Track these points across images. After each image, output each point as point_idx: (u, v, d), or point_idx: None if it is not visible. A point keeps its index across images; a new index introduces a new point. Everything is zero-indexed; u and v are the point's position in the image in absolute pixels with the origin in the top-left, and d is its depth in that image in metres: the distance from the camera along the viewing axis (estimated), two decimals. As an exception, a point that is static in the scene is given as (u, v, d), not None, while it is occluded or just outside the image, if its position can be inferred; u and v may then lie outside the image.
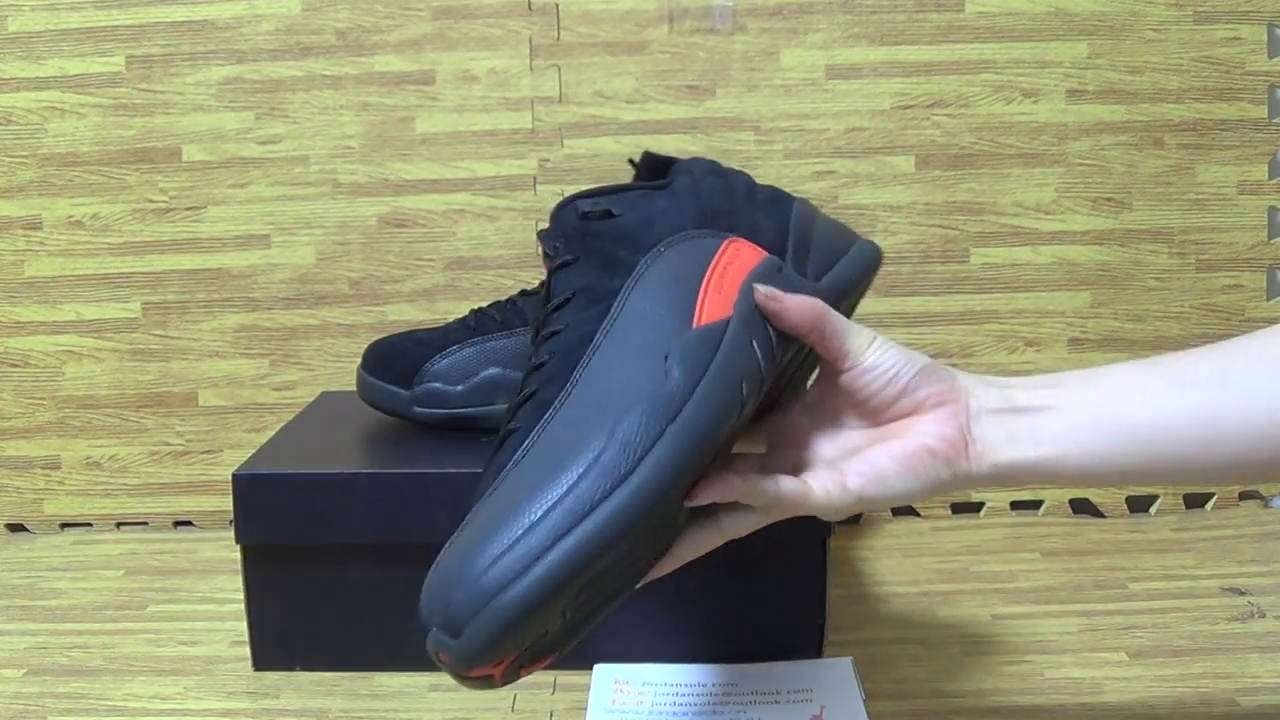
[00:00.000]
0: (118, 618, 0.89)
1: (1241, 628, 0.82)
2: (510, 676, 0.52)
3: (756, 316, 0.58)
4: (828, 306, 0.59)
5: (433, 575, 0.51)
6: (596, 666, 0.77)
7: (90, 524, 1.10)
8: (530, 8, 1.05)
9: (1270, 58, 1.05)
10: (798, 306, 0.57)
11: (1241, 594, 0.87)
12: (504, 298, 0.92)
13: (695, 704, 0.73)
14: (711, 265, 0.59)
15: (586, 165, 1.06)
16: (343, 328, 1.08)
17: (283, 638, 0.79)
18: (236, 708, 0.74)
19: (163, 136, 1.06)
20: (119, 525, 1.10)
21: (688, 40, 1.05)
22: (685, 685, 0.75)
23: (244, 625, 0.79)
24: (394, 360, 0.88)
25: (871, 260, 0.68)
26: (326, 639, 0.79)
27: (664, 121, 1.05)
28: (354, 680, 0.78)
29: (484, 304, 0.92)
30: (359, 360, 0.90)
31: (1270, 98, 1.05)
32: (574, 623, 0.53)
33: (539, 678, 0.77)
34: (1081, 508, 1.08)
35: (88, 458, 1.10)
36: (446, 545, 0.52)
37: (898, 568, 0.95)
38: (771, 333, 0.58)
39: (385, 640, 0.78)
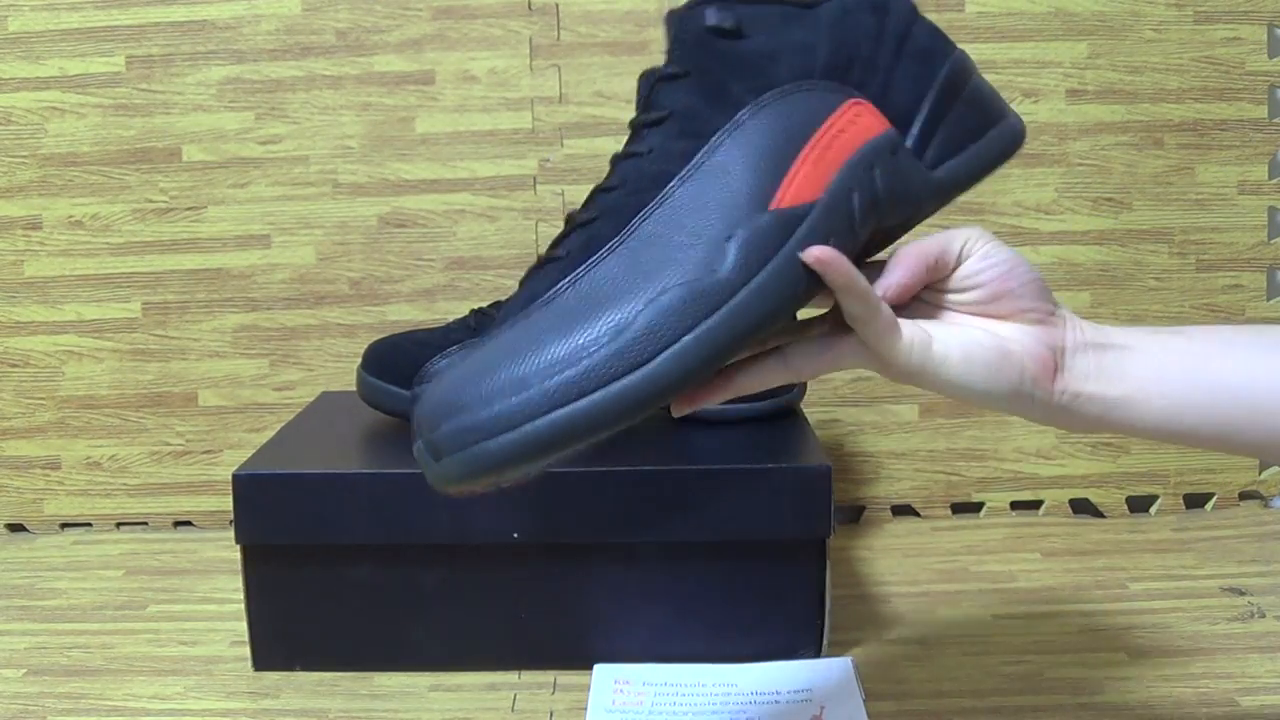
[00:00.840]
0: (118, 618, 0.89)
1: (1241, 628, 0.82)
2: (491, 491, 0.51)
3: (843, 206, 0.52)
4: (892, 283, 0.53)
5: (436, 386, 0.49)
6: (596, 666, 0.77)
7: (90, 524, 1.10)
8: (530, 8, 1.05)
9: (1270, 58, 1.05)
10: (849, 289, 0.51)
11: (1241, 594, 0.87)
12: (504, 298, 0.92)
13: (695, 704, 0.73)
14: (820, 131, 0.52)
15: (586, 165, 1.06)
16: (343, 328, 1.08)
17: (283, 638, 0.79)
18: (236, 708, 0.74)
19: (163, 136, 1.06)
20: (119, 525, 1.10)
21: (688, 40, 1.05)
22: (685, 685, 0.75)
23: (244, 625, 0.79)
24: (394, 360, 0.88)
25: (1009, 145, 0.59)
26: (326, 639, 0.79)
27: (664, 121, 1.05)
28: (354, 680, 0.78)
29: (484, 304, 0.92)
30: (359, 360, 0.90)
31: (1270, 98, 1.05)
32: (562, 463, 0.51)
33: (539, 678, 0.77)
34: (1081, 508, 1.08)
35: (88, 458, 1.10)
36: (463, 356, 0.50)
37: (898, 568, 0.95)
38: (858, 226, 0.52)
39: (385, 640, 0.78)
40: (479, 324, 0.88)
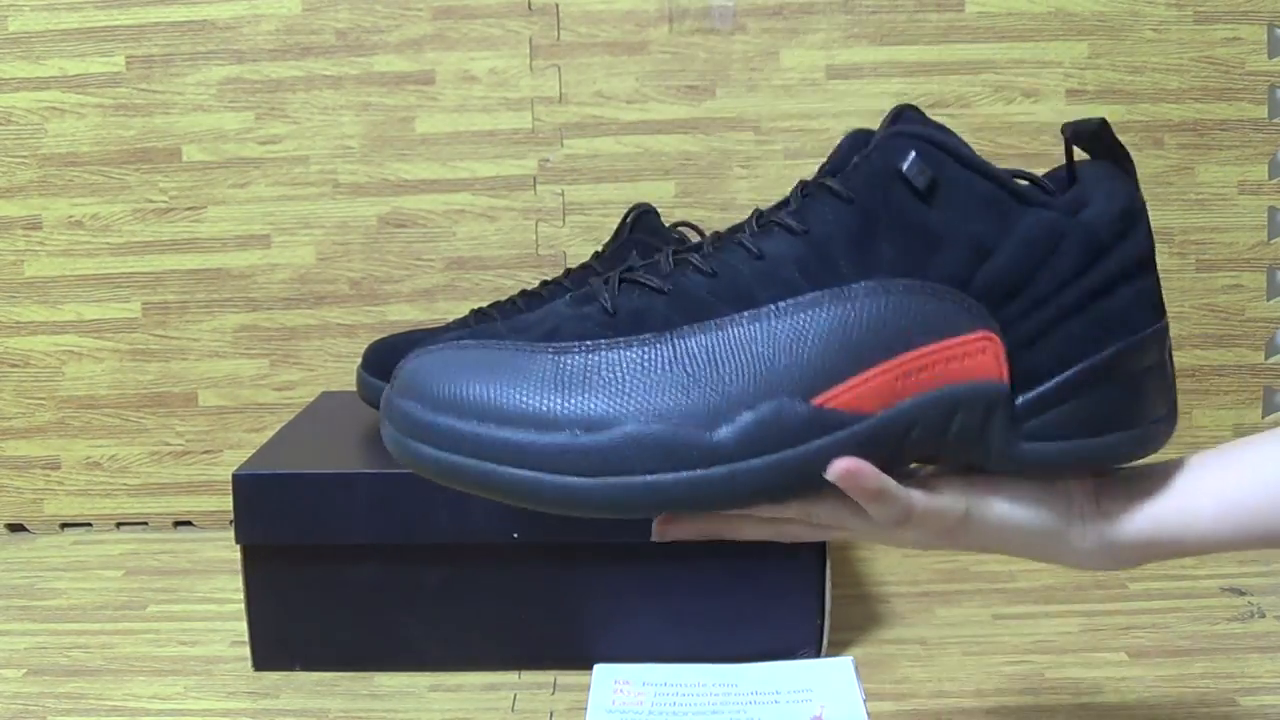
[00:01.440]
0: (118, 618, 0.89)
1: (1241, 628, 0.82)
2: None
3: (895, 436, 0.46)
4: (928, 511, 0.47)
5: (430, 356, 0.46)
6: (596, 666, 0.77)
7: (90, 524, 1.10)
8: (530, 8, 1.05)
9: (1270, 58, 1.05)
10: (878, 500, 0.45)
11: (1241, 594, 0.87)
12: (504, 298, 0.92)
13: (695, 704, 0.73)
14: (927, 349, 0.46)
15: (586, 165, 1.06)
16: (343, 328, 1.08)
17: (283, 638, 0.79)
18: (236, 708, 0.74)
19: (163, 136, 1.06)
20: (119, 525, 1.10)
21: (688, 40, 1.05)
22: (685, 685, 0.75)
23: (244, 625, 0.79)
24: (394, 360, 0.88)
25: (1125, 455, 0.50)
26: (326, 639, 0.79)
27: (664, 121, 1.05)
28: (354, 680, 0.78)
29: (484, 304, 0.92)
30: (359, 360, 0.90)
31: (1270, 98, 1.05)
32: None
33: (539, 678, 0.77)
34: (1081, 508, 1.08)
35: (88, 458, 1.10)
36: (485, 344, 0.46)
37: (898, 568, 0.95)
38: (900, 460, 0.47)
39: (385, 640, 0.78)
40: (479, 324, 0.88)
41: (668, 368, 0.45)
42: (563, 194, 1.06)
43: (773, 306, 0.46)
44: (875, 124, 1.12)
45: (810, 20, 1.04)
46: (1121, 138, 0.51)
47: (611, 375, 0.45)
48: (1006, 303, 0.47)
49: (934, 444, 0.46)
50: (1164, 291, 0.51)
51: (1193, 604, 0.86)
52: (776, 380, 0.45)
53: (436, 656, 0.78)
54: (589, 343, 0.46)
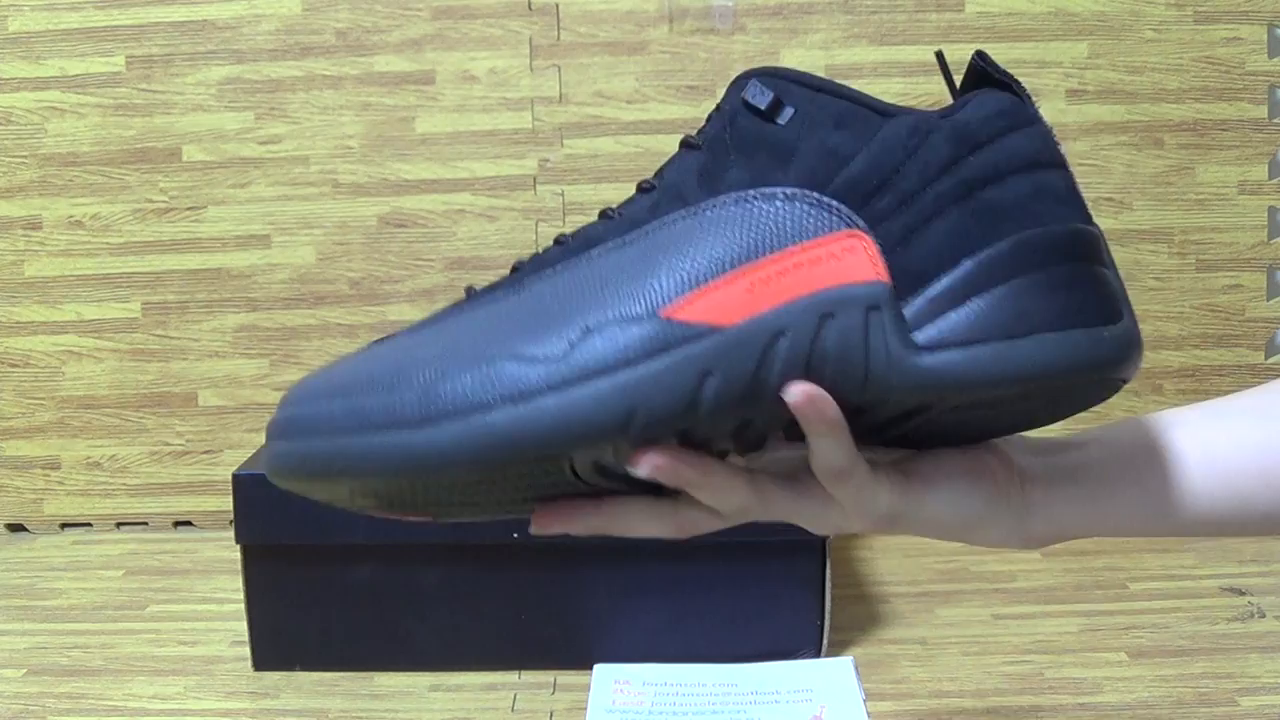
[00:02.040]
0: (118, 618, 0.89)
1: (1241, 628, 0.82)
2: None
3: (754, 349, 0.41)
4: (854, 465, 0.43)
5: (311, 377, 0.44)
6: (596, 666, 0.77)
7: (90, 524, 1.10)
8: (530, 8, 1.05)
9: (1270, 58, 1.05)
10: (831, 436, 0.42)
11: (1241, 594, 0.87)
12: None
13: (695, 704, 0.73)
14: (780, 253, 0.42)
15: (587, 165, 1.06)
16: (343, 328, 1.08)
17: (283, 638, 0.79)
18: (236, 708, 0.74)
19: (163, 136, 1.06)
20: (119, 525, 1.10)
21: (688, 40, 1.05)
22: (685, 685, 0.75)
23: (244, 625, 0.79)
24: (394, 360, 0.88)
25: (1072, 367, 0.43)
26: (326, 639, 0.79)
27: (664, 121, 1.05)
28: (354, 680, 0.77)
29: (484, 304, 0.92)
30: (359, 360, 0.90)
31: (1270, 98, 1.05)
32: (366, 509, 0.46)
33: (539, 678, 0.77)
34: (1081, 508, 1.08)
35: (88, 458, 1.09)
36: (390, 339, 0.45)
37: (898, 568, 0.95)
38: (765, 381, 0.41)
39: (385, 640, 0.78)
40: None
41: (509, 312, 0.42)
42: (563, 194, 1.06)
43: (616, 240, 0.43)
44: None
45: (810, 20, 1.04)
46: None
47: (457, 332, 0.42)
48: (871, 201, 0.43)
49: (814, 361, 0.41)
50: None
51: (1193, 604, 0.86)
52: (615, 299, 0.41)
53: (436, 656, 0.78)
54: (444, 309, 0.44)
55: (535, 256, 0.44)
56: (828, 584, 0.78)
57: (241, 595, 0.78)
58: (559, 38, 1.05)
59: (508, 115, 1.05)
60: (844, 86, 0.45)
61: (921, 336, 0.42)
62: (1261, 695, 0.72)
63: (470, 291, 0.45)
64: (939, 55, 0.47)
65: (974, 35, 1.04)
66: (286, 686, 0.77)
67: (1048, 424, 0.48)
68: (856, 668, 0.76)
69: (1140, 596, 0.88)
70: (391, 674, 0.78)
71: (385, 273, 1.07)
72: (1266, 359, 1.08)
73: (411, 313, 1.07)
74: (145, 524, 1.10)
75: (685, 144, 0.45)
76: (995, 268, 0.42)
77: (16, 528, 1.10)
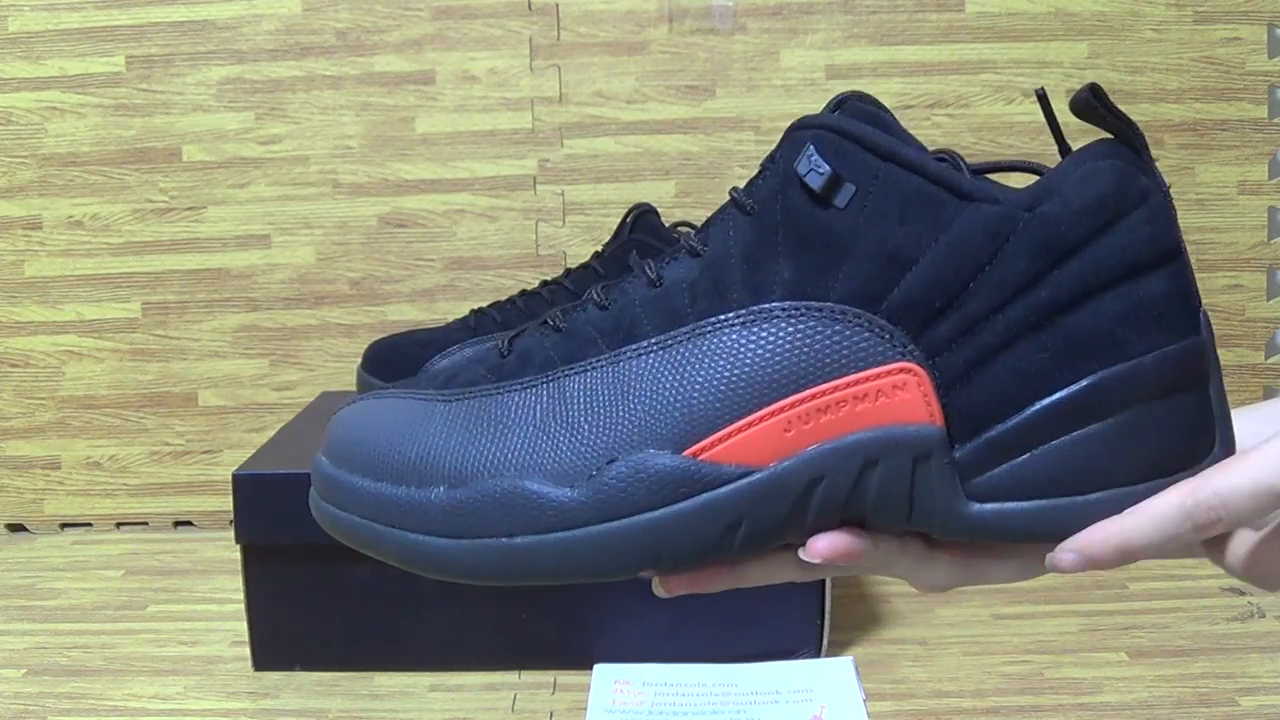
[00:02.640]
0: (118, 618, 0.89)
1: (1241, 628, 0.82)
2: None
3: (787, 496, 0.38)
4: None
5: (347, 410, 0.44)
6: (596, 666, 0.77)
7: (90, 524, 1.10)
8: (530, 8, 1.05)
9: (1270, 58, 1.05)
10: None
11: (1241, 594, 0.87)
12: (504, 298, 0.92)
13: (695, 704, 0.73)
14: (824, 388, 0.38)
15: (586, 165, 1.06)
16: (343, 328, 1.08)
17: (283, 638, 0.79)
18: (236, 708, 0.74)
19: (163, 136, 1.06)
20: (119, 525, 1.10)
21: (688, 40, 1.05)
22: (685, 685, 0.75)
23: (244, 625, 0.79)
24: (394, 360, 0.88)
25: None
26: (326, 639, 0.79)
27: (664, 121, 1.05)
28: (354, 680, 0.77)
29: (484, 304, 0.92)
30: (359, 360, 0.90)
31: (1270, 98, 1.05)
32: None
33: (539, 678, 0.77)
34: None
35: (88, 458, 1.10)
36: (406, 390, 0.43)
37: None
38: (796, 527, 0.39)
39: (385, 640, 0.78)
40: (479, 324, 0.88)
41: (543, 415, 0.39)
42: (563, 194, 1.06)
43: (647, 343, 0.39)
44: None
45: (810, 20, 1.04)
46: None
47: (490, 424, 0.40)
48: (932, 325, 0.38)
49: (852, 505, 0.38)
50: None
51: (1193, 604, 0.86)
52: (643, 428, 0.38)
53: (436, 656, 0.78)
54: (473, 389, 0.41)
55: (572, 310, 0.42)
56: (828, 584, 0.78)
57: (241, 595, 0.78)
58: (559, 38, 1.05)
59: (508, 115, 1.05)
60: (915, 153, 0.38)
61: (975, 486, 0.38)
62: (1261, 695, 0.72)
63: (504, 348, 0.43)
64: (1040, 96, 0.40)
65: (974, 35, 1.04)
66: (286, 686, 0.77)
67: None
68: (856, 668, 0.76)
69: (1140, 596, 0.88)
70: (391, 674, 0.78)
71: (385, 273, 1.07)
72: (1266, 359, 1.08)
73: (412, 313, 1.07)
74: (145, 524, 1.10)
75: (736, 203, 0.40)
76: (1067, 414, 0.37)
77: (16, 528, 1.10)
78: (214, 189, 1.06)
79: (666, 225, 0.91)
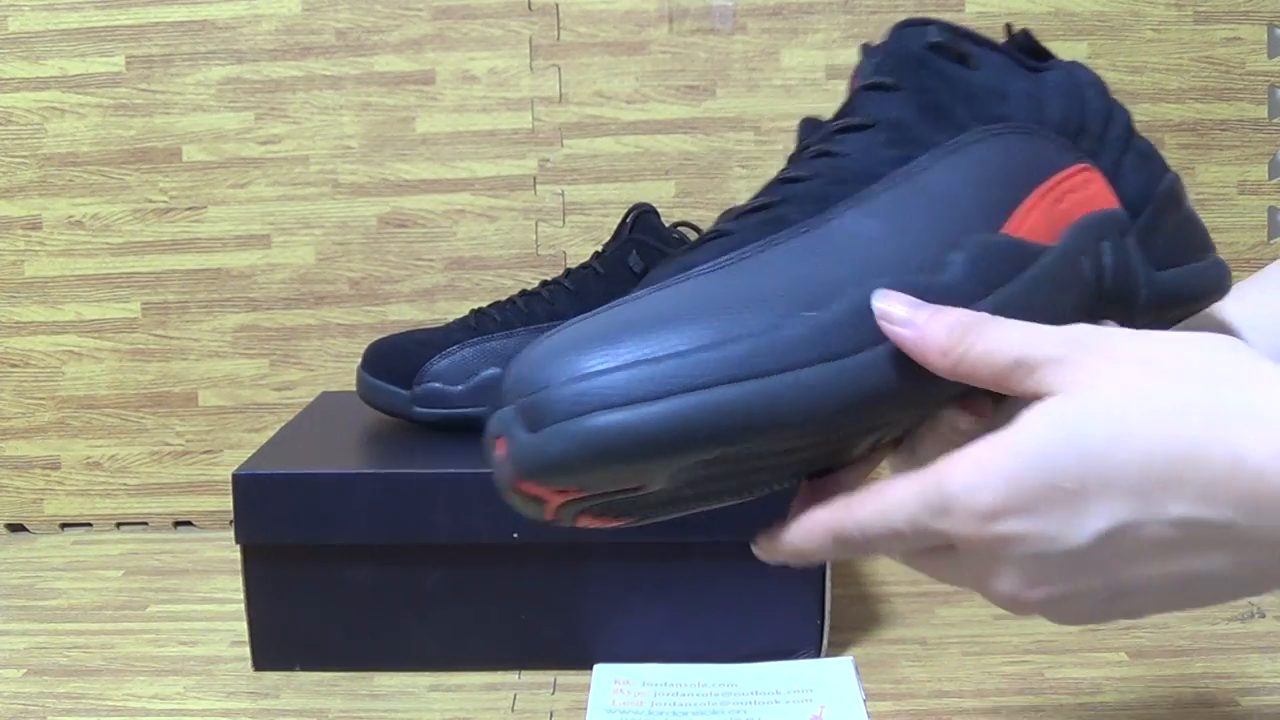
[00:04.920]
0: (118, 618, 0.89)
1: (1241, 628, 0.82)
2: (565, 517, 0.41)
3: (1074, 266, 0.44)
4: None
5: (546, 342, 0.39)
6: (596, 666, 0.77)
7: (90, 524, 1.10)
8: (530, 8, 1.05)
9: (1270, 58, 1.05)
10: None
11: (1241, 594, 0.87)
12: (504, 298, 0.92)
13: (695, 704, 0.73)
14: (1051, 180, 0.45)
15: (587, 165, 1.06)
16: (343, 328, 1.08)
17: (283, 638, 0.79)
18: (236, 708, 0.74)
19: (163, 136, 1.06)
20: (119, 525, 1.10)
21: (688, 40, 1.05)
22: (685, 685, 0.75)
23: (244, 625, 0.79)
24: (394, 360, 0.88)
25: (1215, 286, 0.50)
26: (326, 639, 0.79)
27: (664, 121, 1.05)
28: (354, 680, 0.77)
29: (484, 304, 0.92)
30: (359, 360, 0.90)
31: (1270, 98, 1.05)
32: (683, 497, 0.42)
33: (539, 678, 0.77)
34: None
35: (88, 458, 1.09)
36: (580, 317, 0.40)
37: (898, 568, 0.95)
38: (1091, 295, 0.44)
39: (385, 640, 0.78)
40: (479, 324, 0.88)
41: (845, 242, 0.41)
42: (563, 194, 1.06)
43: (902, 170, 0.43)
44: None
45: (810, 20, 1.04)
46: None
47: (792, 264, 0.40)
48: (1078, 141, 0.47)
49: (1097, 285, 0.45)
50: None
51: (1193, 604, 0.86)
52: (955, 220, 0.42)
53: (436, 656, 0.78)
54: (750, 245, 0.41)
55: (828, 156, 0.45)
56: (828, 584, 0.78)
57: (241, 595, 0.78)
58: (559, 38, 1.05)
59: (508, 115, 1.05)
60: (968, 29, 0.49)
61: (1151, 256, 0.47)
62: (1261, 695, 0.72)
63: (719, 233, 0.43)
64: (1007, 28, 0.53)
65: (974, 35, 1.04)
66: (286, 686, 0.77)
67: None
68: (856, 668, 0.76)
69: (1140, 596, 0.88)
70: (391, 674, 0.78)
71: (385, 273, 1.07)
72: (1266, 359, 1.08)
73: (412, 313, 1.07)
74: (145, 524, 1.10)
75: (870, 86, 0.47)
76: (1164, 205, 0.48)
77: (16, 528, 1.10)
78: (214, 189, 1.06)
79: (666, 225, 0.91)
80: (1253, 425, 0.36)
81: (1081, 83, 0.49)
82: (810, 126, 0.48)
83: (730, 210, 0.45)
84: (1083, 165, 0.46)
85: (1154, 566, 0.39)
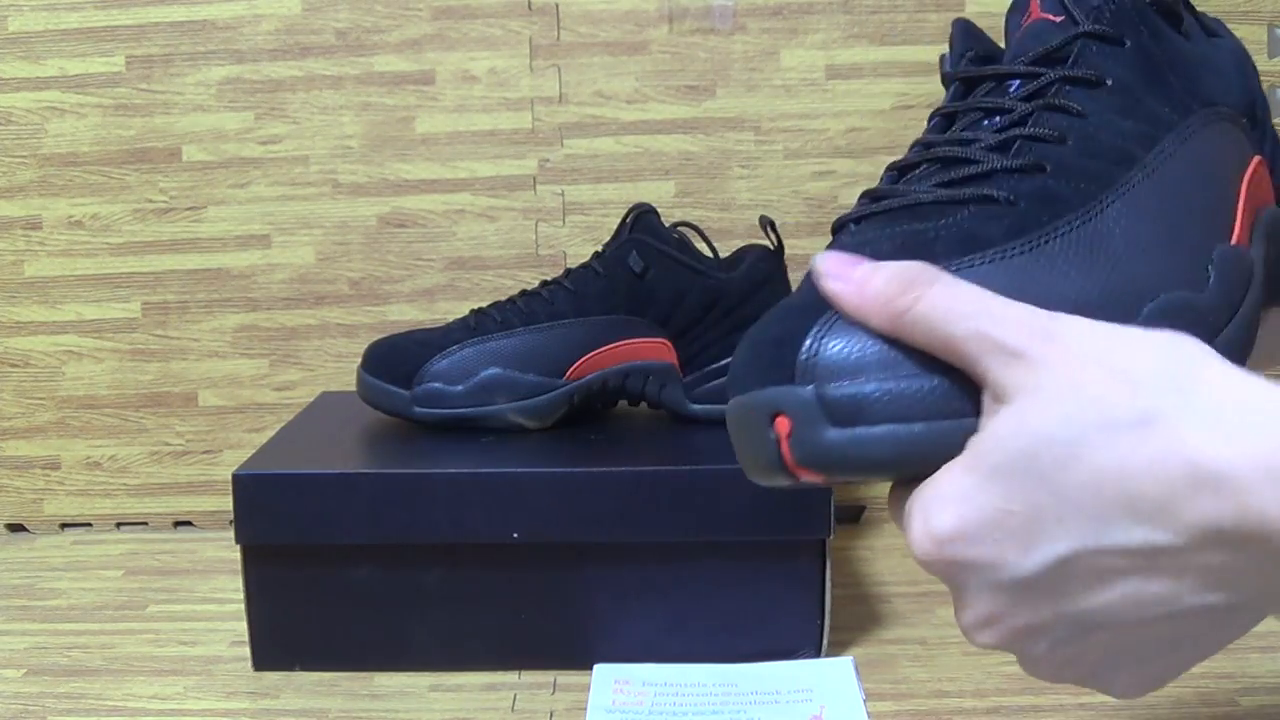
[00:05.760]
0: (118, 618, 0.89)
1: (1241, 628, 0.82)
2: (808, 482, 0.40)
3: (1263, 266, 0.43)
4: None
5: (864, 329, 0.38)
6: (596, 666, 0.77)
7: (90, 524, 1.10)
8: (530, 8, 1.05)
9: (1270, 58, 1.05)
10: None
11: (1241, 594, 0.87)
12: (504, 298, 0.92)
13: (695, 704, 0.73)
14: (1245, 174, 0.44)
15: (586, 165, 1.06)
16: (343, 328, 1.08)
17: (283, 638, 0.79)
18: (236, 708, 0.74)
19: (163, 136, 1.06)
20: (119, 525, 1.10)
21: (688, 40, 1.05)
22: (685, 685, 0.75)
23: (244, 625, 0.79)
24: (394, 360, 0.88)
25: None
26: (326, 639, 0.79)
27: (664, 121, 1.05)
28: (354, 680, 0.78)
29: (484, 304, 0.92)
30: (359, 360, 0.90)
31: (1270, 97, 1.05)
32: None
33: (539, 678, 0.77)
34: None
35: (88, 458, 1.09)
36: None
37: (898, 568, 0.95)
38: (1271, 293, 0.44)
39: (385, 640, 0.78)
40: (479, 324, 0.88)
41: (1123, 240, 0.40)
42: (563, 194, 1.06)
43: (1152, 156, 0.42)
44: (874, 123, 1.12)
45: (810, 20, 1.04)
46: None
47: (1098, 254, 0.39)
48: (1252, 128, 0.47)
49: (1272, 283, 0.44)
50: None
51: (1193, 604, 0.86)
52: (1205, 222, 0.42)
53: (436, 656, 0.78)
54: (1046, 229, 0.39)
55: (1024, 174, 0.42)
56: (828, 584, 0.78)
57: (241, 595, 0.78)
58: (559, 38, 1.05)
59: (508, 115, 1.05)
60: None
61: None
62: (1261, 695, 0.72)
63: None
64: None
65: (974, 35, 1.04)
66: (286, 686, 0.77)
67: None
68: (856, 668, 0.76)
69: (1140, 596, 0.88)
70: (391, 674, 0.78)
71: (385, 273, 1.07)
72: (1266, 359, 1.08)
73: (412, 313, 1.07)
74: (145, 524, 1.10)
75: (1088, 34, 0.44)
76: None
77: (16, 528, 1.10)
78: (214, 189, 1.06)
79: (666, 225, 0.91)
80: (1211, 433, 0.34)
81: (1244, 57, 0.47)
82: (969, 35, 0.49)
83: (966, 152, 0.43)
84: (1258, 156, 0.46)
85: (1113, 595, 0.37)
